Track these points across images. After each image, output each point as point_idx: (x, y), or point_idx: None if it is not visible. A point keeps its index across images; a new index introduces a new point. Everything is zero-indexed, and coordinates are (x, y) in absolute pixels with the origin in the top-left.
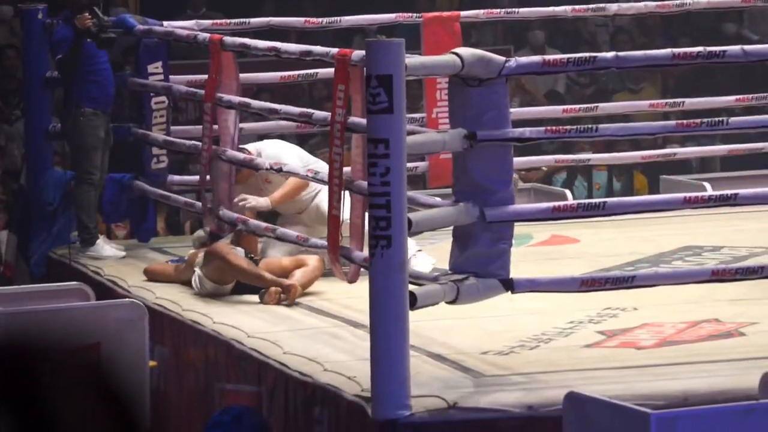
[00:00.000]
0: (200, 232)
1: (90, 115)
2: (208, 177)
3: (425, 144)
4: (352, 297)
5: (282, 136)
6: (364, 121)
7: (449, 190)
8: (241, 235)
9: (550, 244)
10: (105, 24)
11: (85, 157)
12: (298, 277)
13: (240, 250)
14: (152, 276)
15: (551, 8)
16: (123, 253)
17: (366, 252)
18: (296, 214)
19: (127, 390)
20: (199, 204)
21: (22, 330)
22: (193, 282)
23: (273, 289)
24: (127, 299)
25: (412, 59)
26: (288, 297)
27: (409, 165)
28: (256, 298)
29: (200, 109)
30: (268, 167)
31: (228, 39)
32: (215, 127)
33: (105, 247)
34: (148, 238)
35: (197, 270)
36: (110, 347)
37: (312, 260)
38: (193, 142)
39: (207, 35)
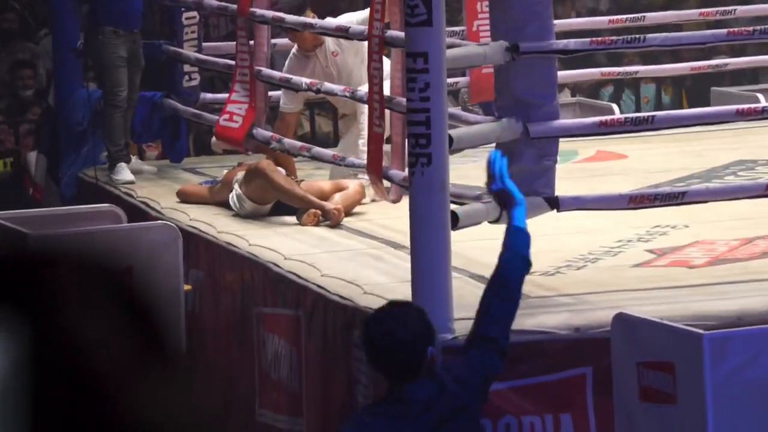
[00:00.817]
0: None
1: (110, 34)
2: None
3: (466, 57)
4: (392, 218)
5: None
6: (402, 34)
7: None
8: (277, 155)
9: (597, 160)
10: None
11: (108, 77)
12: (337, 200)
13: (281, 170)
14: (186, 197)
15: None
16: (132, 177)
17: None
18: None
19: (161, 313)
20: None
21: (52, 251)
22: (231, 201)
23: (312, 210)
24: (160, 221)
25: None
26: (331, 219)
27: (449, 80)
28: (293, 219)
29: (232, 25)
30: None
31: None
32: (251, 43)
33: (122, 172)
34: (181, 158)
35: (236, 188)
36: (143, 271)
37: (353, 184)
38: (225, 60)
39: None
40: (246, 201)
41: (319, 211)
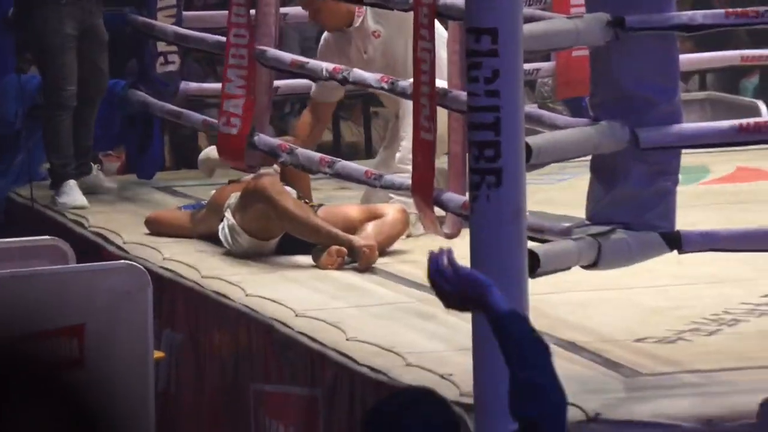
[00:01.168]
0: (210, 152)
1: (51, 2)
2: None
3: (550, 35)
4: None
5: None
6: (461, 2)
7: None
8: (287, 171)
9: (735, 181)
10: None
11: (50, 62)
12: (369, 233)
13: (291, 191)
14: (158, 227)
15: None
16: (84, 201)
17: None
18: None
19: (119, 408)
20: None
21: None
22: (221, 233)
23: (334, 247)
24: (122, 261)
25: None
26: (360, 260)
27: (527, 66)
28: (308, 259)
29: None
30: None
31: None
32: (252, 13)
33: (70, 193)
34: (152, 173)
35: (228, 216)
36: (98, 331)
37: (391, 210)
38: (215, 37)
39: None
40: (242, 234)
41: (343, 249)
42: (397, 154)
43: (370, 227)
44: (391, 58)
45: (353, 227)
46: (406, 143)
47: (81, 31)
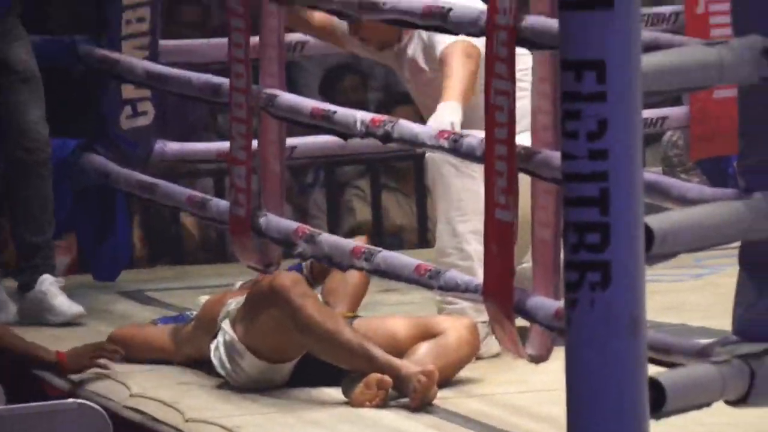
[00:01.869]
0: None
1: None
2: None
3: (682, 70)
4: (534, 390)
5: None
6: (552, 23)
7: None
8: (314, 269)
9: None
10: None
11: None
12: (424, 355)
13: (316, 294)
14: (125, 350)
15: None
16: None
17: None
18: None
19: None
20: (218, 203)
21: None
22: (213, 356)
23: (375, 376)
24: (71, 400)
25: None
26: (413, 395)
27: (648, 114)
28: (337, 392)
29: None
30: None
31: None
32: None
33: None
34: (116, 273)
35: (225, 329)
36: None
37: (455, 325)
38: (206, 77)
39: None
40: (245, 354)
41: (387, 378)
42: (438, 242)
43: (425, 348)
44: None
45: (401, 348)
46: (444, 227)
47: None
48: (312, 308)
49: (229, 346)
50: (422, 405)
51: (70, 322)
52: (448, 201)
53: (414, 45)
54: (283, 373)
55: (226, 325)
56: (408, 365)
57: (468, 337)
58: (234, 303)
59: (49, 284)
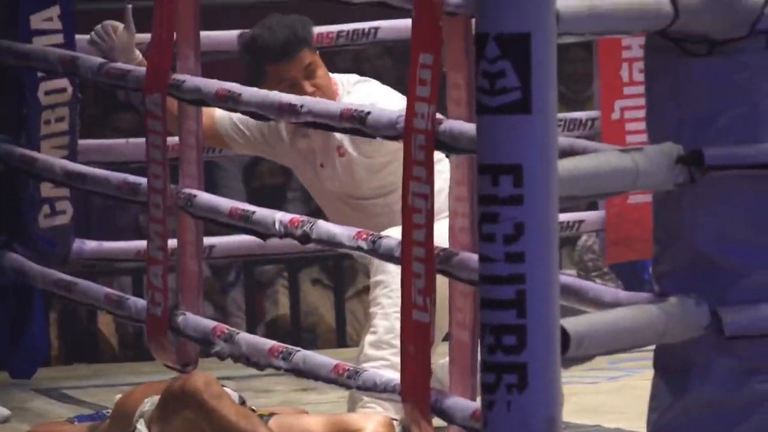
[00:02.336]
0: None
1: None
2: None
3: (597, 176)
4: None
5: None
6: (471, 127)
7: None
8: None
9: None
10: None
11: None
12: None
13: (233, 393)
14: None
15: None
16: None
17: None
18: (361, 200)
19: None
20: (136, 302)
21: None
22: None
23: None
24: None
25: (570, 2)
26: None
27: (563, 217)
28: None
29: (133, 104)
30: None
31: None
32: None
33: None
34: (32, 371)
35: (142, 429)
36: None
37: (371, 422)
38: (123, 176)
39: None
40: None
41: None
42: (368, 337)
43: None
44: (351, 192)
45: None
46: (381, 322)
47: None
48: (226, 409)
49: None
50: None
51: None
52: (390, 298)
53: (333, 139)
54: None
55: (141, 425)
56: None
57: None
58: (149, 403)
59: None
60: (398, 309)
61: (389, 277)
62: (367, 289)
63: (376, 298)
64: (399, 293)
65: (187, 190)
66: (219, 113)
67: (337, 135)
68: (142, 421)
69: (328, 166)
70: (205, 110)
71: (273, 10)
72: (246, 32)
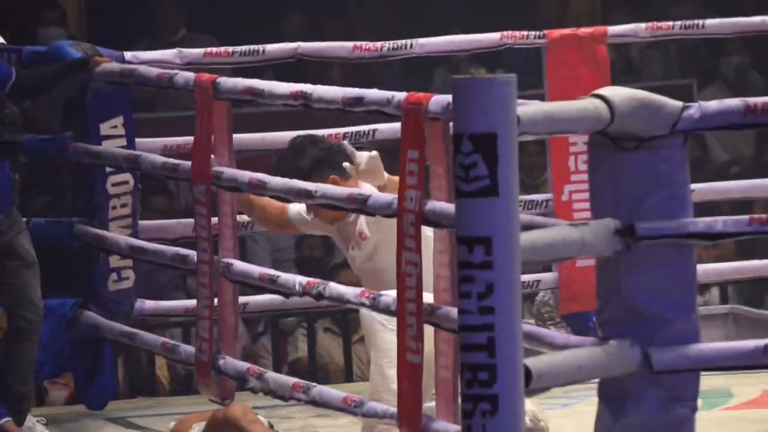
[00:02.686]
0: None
1: None
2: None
3: (551, 245)
4: None
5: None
6: (451, 207)
7: None
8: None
9: (763, 406)
10: (9, 118)
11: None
12: None
13: (264, 420)
14: None
15: (759, 18)
16: None
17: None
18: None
19: None
20: (185, 349)
21: None
22: None
23: None
24: None
25: (528, 108)
26: None
27: (526, 278)
28: None
29: (184, 193)
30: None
31: (225, 81)
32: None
33: None
34: (104, 403)
35: None
36: None
37: None
38: (175, 249)
39: (190, 75)
40: None
41: None
42: (371, 383)
43: None
44: (378, 267)
45: None
46: (390, 366)
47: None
48: (259, 431)
49: None
50: None
51: None
52: (378, 350)
53: (355, 217)
54: None
55: None
56: None
57: None
58: (197, 428)
59: (35, 421)
60: (387, 358)
61: (372, 333)
62: None
63: (368, 350)
64: (383, 344)
65: (226, 260)
66: (289, 206)
67: (359, 221)
68: None
69: (356, 248)
70: (275, 204)
71: (288, 115)
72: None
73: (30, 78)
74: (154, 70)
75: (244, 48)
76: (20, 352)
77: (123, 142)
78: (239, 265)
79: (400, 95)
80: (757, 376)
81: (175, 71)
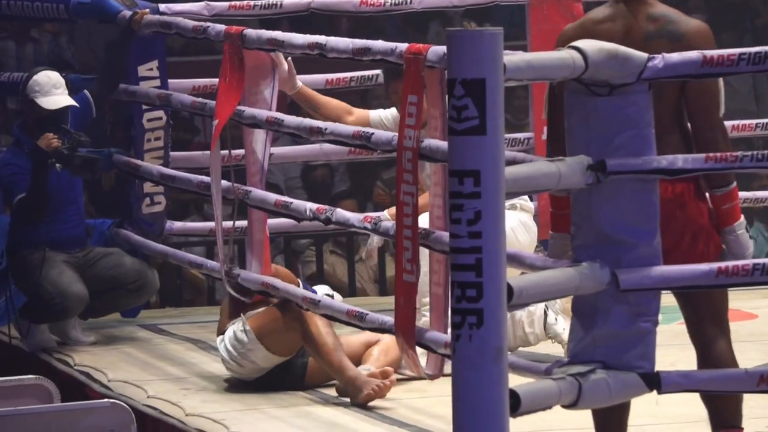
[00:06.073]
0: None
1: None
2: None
3: (532, 178)
4: (429, 396)
5: (329, 166)
6: (444, 144)
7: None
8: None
9: None
10: (80, 140)
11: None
12: (377, 357)
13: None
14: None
15: None
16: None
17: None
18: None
19: None
20: (211, 263)
21: None
22: (226, 341)
23: (382, 380)
24: (106, 400)
25: (513, 57)
26: (379, 390)
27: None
28: (293, 396)
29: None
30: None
31: (251, 33)
32: (238, 153)
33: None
34: (137, 312)
35: (242, 323)
36: None
37: (385, 336)
38: (200, 177)
39: (221, 27)
40: (255, 347)
41: (387, 382)
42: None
43: (376, 352)
44: None
45: (357, 356)
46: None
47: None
48: (321, 329)
49: (245, 333)
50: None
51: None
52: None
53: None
54: (265, 367)
55: (243, 319)
56: (366, 377)
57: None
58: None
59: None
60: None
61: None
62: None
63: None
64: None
65: (244, 188)
66: (371, 114)
67: (424, 171)
68: (246, 320)
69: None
70: (362, 113)
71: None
72: None
73: (109, 78)
74: (190, 22)
75: (263, 2)
76: None
77: (157, 83)
78: (257, 192)
79: (402, 46)
80: None
81: (208, 24)
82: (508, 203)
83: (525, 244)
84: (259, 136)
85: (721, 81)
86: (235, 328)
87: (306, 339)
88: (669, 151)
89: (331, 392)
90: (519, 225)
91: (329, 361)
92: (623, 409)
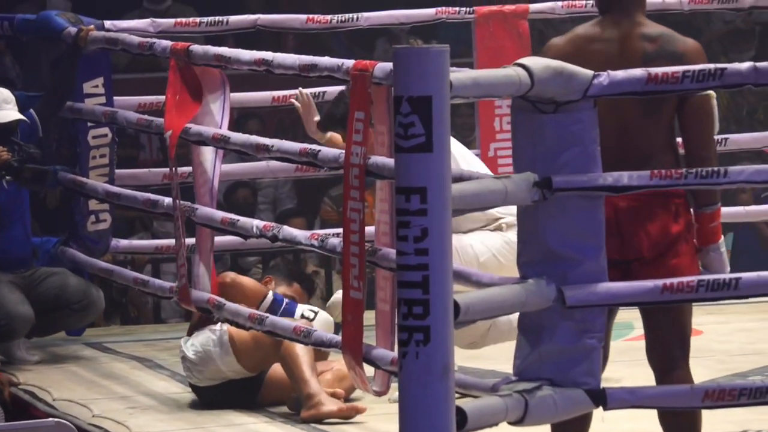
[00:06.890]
0: (338, 297)
1: None
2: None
3: (479, 195)
4: (376, 414)
5: (276, 183)
6: (391, 161)
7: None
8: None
9: None
10: (29, 152)
11: None
12: (330, 381)
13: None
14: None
15: None
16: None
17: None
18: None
19: None
20: (156, 281)
21: None
22: (196, 341)
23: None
24: (51, 419)
25: (459, 74)
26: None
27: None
28: (237, 415)
29: (158, 145)
30: None
31: (198, 48)
32: (184, 170)
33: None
34: (82, 330)
35: (223, 327)
36: None
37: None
38: (146, 195)
39: (167, 43)
40: (230, 356)
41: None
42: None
43: (329, 376)
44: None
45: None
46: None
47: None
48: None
49: (221, 340)
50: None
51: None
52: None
53: None
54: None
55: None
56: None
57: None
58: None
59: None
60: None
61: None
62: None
63: None
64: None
65: (190, 205)
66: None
67: None
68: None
69: None
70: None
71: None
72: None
73: (56, 96)
74: (136, 39)
75: (209, 19)
76: None
77: (103, 99)
78: (203, 209)
79: (349, 62)
80: None
81: (154, 40)
82: (492, 225)
83: (510, 265)
84: (208, 153)
85: (714, 100)
86: (214, 329)
87: (282, 359)
88: None
89: (282, 410)
90: (503, 245)
91: (300, 372)
92: (584, 422)
